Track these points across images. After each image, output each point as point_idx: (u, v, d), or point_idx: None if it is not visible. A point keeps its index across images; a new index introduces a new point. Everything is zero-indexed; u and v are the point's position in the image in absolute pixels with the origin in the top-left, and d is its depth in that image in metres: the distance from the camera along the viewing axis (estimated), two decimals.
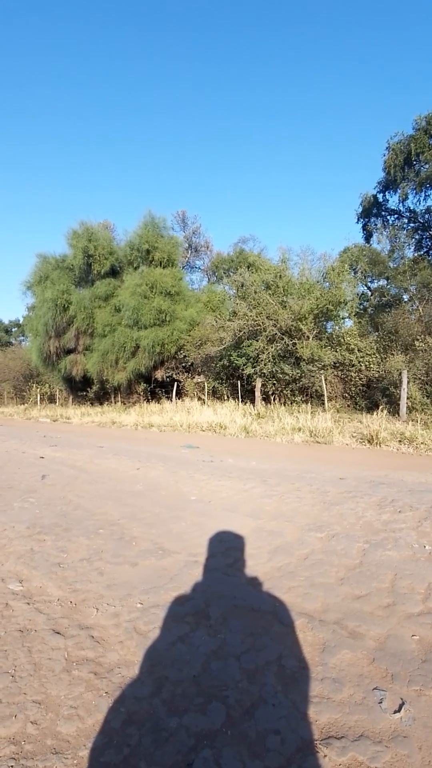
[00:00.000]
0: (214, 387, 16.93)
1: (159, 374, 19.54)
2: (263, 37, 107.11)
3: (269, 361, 13.86)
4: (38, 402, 25.31)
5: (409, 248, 19.99)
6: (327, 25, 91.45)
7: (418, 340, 12.28)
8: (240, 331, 14.68)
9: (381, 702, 1.44)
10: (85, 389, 23.14)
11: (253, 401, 14.43)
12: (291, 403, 13.74)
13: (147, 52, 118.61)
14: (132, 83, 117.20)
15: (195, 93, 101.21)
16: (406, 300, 16.24)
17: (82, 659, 1.71)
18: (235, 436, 10.49)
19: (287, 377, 13.90)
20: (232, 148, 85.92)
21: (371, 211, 22.74)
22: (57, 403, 25.25)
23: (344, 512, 3.58)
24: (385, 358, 12.66)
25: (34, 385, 26.83)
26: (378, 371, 12.74)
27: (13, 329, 47.23)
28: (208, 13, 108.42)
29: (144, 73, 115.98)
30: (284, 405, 13.64)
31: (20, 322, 43.47)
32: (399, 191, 20.45)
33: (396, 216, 22.29)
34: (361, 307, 17.26)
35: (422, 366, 11.75)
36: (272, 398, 14.40)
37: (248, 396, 15.24)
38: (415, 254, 19.88)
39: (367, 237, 22.89)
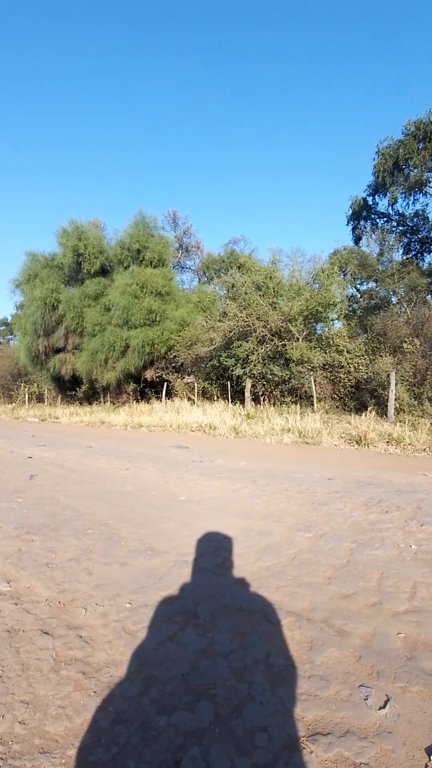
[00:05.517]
0: (203, 387, 16.92)
1: (149, 374, 19.47)
2: (256, 39, 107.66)
3: (259, 362, 13.91)
4: (26, 401, 25.01)
5: (398, 251, 20.23)
6: (319, 28, 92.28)
7: (406, 342, 12.43)
8: (230, 331, 14.70)
9: (367, 699, 1.46)
10: (74, 389, 22.94)
11: (242, 402, 14.47)
12: (280, 404, 13.81)
13: (140, 51, 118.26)
14: (124, 83, 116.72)
15: (187, 94, 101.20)
16: (394, 302, 16.41)
17: (70, 659, 1.70)
18: (225, 436, 10.51)
19: (277, 378, 13.97)
20: (223, 149, 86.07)
21: (361, 214, 22.94)
22: (45, 403, 24.98)
23: (332, 512, 3.62)
24: (374, 359, 12.79)
25: (22, 384, 26.50)
26: (366, 373, 12.86)
27: (1, 328, 46.63)
28: (201, 13, 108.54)
29: (136, 73, 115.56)
30: (274, 406, 13.70)
31: (8, 320, 42.90)
32: (388, 195, 20.64)
33: (385, 219, 22.53)
34: (350, 309, 17.40)
35: (410, 368, 11.90)
36: (262, 399, 14.45)
37: (238, 396, 15.27)
38: (404, 257, 20.09)
39: (357, 240, 23.07)
